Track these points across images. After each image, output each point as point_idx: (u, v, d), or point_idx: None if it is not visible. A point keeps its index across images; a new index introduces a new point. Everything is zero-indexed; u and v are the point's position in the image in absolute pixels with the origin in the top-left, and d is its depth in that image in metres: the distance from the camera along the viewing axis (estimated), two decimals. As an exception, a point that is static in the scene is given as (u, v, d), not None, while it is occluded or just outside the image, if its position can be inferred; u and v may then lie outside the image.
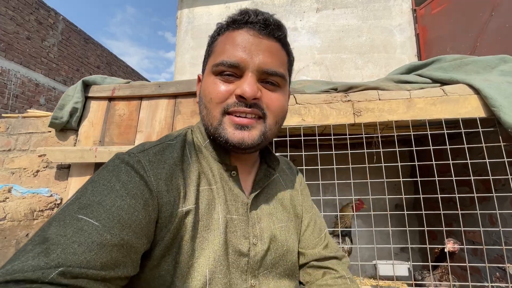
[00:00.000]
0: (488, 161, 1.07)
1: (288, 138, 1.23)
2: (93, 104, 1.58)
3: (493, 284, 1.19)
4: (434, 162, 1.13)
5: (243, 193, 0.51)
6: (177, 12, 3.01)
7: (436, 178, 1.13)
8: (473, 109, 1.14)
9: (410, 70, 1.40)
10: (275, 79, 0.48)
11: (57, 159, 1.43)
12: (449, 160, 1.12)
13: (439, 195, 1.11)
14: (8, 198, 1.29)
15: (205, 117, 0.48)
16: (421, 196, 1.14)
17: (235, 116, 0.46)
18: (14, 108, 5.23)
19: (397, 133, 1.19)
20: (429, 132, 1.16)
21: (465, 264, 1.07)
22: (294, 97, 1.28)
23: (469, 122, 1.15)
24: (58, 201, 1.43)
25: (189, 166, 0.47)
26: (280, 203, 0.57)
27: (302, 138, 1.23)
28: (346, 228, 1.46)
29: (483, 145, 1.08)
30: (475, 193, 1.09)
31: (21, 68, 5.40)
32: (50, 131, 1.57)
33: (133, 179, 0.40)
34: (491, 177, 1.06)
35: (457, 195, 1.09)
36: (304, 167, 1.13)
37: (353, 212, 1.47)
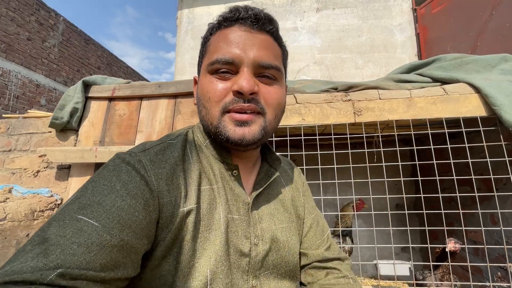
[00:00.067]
0: (489, 160, 1.07)
1: (288, 138, 1.23)
2: (94, 104, 1.58)
3: (494, 284, 1.18)
4: (435, 162, 1.13)
5: (244, 193, 0.51)
6: (177, 13, 3.02)
7: (437, 178, 1.13)
8: (473, 108, 1.13)
9: (411, 69, 1.40)
10: (271, 72, 0.47)
11: (58, 159, 1.44)
12: (450, 160, 1.11)
13: (440, 195, 1.11)
14: (8, 198, 1.29)
15: (205, 116, 0.48)
16: (422, 195, 1.13)
17: (235, 113, 0.45)
18: (15, 109, 5.24)
19: (397, 133, 1.19)
20: (429, 132, 1.16)
21: (467, 264, 1.07)
22: (295, 96, 1.28)
23: (470, 121, 1.15)
24: (59, 201, 1.43)
25: (190, 166, 0.47)
26: (281, 204, 0.56)
27: (303, 137, 1.23)
28: (347, 228, 1.46)
29: (484, 144, 1.08)
30: (476, 192, 1.08)
31: (22, 69, 5.41)
32: (50, 132, 1.57)
33: (134, 179, 0.39)
34: (492, 176, 1.06)
35: (458, 195, 1.08)
36: (304, 167, 1.13)
37: (354, 212, 1.47)
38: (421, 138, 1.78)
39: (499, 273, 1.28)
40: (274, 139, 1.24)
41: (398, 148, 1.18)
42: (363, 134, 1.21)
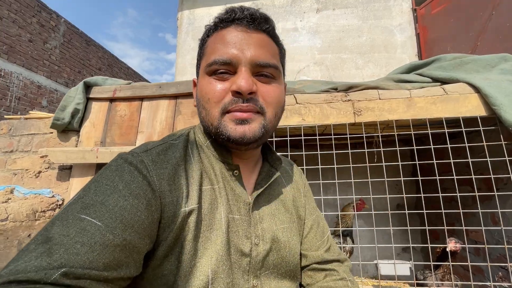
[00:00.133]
0: (490, 160, 1.07)
1: (288, 138, 1.23)
2: (95, 105, 1.59)
3: (495, 284, 1.18)
4: (435, 161, 1.13)
5: (245, 193, 0.51)
6: (178, 14, 3.03)
7: (437, 177, 1.13)
8: (473, 108, 1.13)
9: (411, 69, 1.40)
10: (269, 70, 0.48)
11: (59, 160, 1.44)
12: (450, 159, 1.11)
13: (440, 194, 1.11)
14: (10, 199, 1.29)
15: (205, 117, 0.48)
16: (423, 195, 1.13)
17: (234, 112, 0.45)
18: (16, 110, 5.26)
19: (397, 133, 1.19)
20: (429, 131, 1.16)
21: (467, 264, 1.07)
22: (294, 97, 1.28)
23: (470, 121, 1.15)
24: (60, 202, 1.44)
25: (191, 166, 0.47)
26: (282, 204, 0.56)
27: (303, 138, 1.23)
28: (347, 228, 1.46)
29: (484, 144, 1.08)
30: (476, 192, 1.08)
31: (23, 71, 5.43)
32: (52, 132, 1.58)
33: (136, 179, 0.40)
34: (492, 176, 1.06)
35: (458, 194, 1.09)
36: (304, 167, 1.13)
37: (355, 212, 1.47)
38: (421, 138, 1.78)
39: (500, 273, 1.28)
40: (274, 139, 1.25)
41: (398, 148, 1.19)
42: (363, 134, 1.21)
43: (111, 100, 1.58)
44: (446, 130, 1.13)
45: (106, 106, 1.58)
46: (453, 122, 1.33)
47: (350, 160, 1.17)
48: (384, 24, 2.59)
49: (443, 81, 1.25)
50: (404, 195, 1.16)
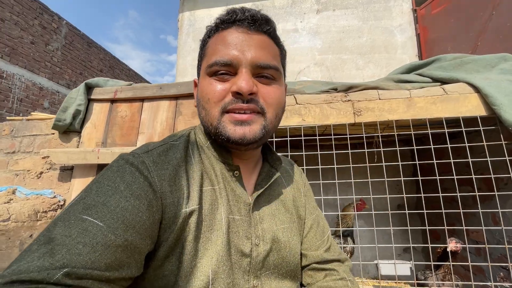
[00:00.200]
0: (490, 160, 1.07)
1: (288, 138, 1.24)
2: (96, 106, 1.60)
3: (496, 284, 1.18)
4: (435, 161, 1.13)
5: (245, 193, 0.51)
6: (179, 15, 3.04)
7: (438, 177, 1.13)
8: (473, 108, 1.13)
9: (411, 69, 1.40)
10: (269, 72, 0.48)
11: (60, 161, 1.45)
12: (450, 159, 1.11)
13: (441, 194, 1.11)
14: (12, 199, 1.30)
15: (205, 118, 0.48)
16: (423, 195, 1.13)
17: (234, 113, 0.46)
18: (18, 112, 5.29)
19: (397, 133, 1.19)
20: (429, 131, 1.16)
21: (468, 264, 1.06)
22: (294, 97, 1.28)
23: (470, 121, 1.15)
24: (61, 203, 1.44)
25: (192, 167, 0.48)
26: (282, 204, 0.56)
27: (303, 138, 1.24)
28: (348, 228, 1.46)
29: (484, 143, 1.08)
30: (477, 192, 1.08)
31: (25, 72, 5.46)
32: (53, 133, 1.59)
33: (137, 180, 0.40)
34: (492, 176, 1.06)
35: (458, 194, 1.08)
36: (304, 167, 1.13)
37: (355, 212, 1.47)
38: (421, 138, 1.78)
39: (501, 273, 1.27)
40: (274, 139, 1.25)
41: (398, 148, 1.19)
42: (363, 134, 1.21)
43: (112, 101, 1.59)
44: (446, 130, 1.13)
45: (107, 107, 1.59)
46: (453, 122, 1.32)
47: (350, 160, 1.17)
48: (384, 25, 2.60)
49: (443, 81, 1.25)
50: (405, 195, 1.16)
